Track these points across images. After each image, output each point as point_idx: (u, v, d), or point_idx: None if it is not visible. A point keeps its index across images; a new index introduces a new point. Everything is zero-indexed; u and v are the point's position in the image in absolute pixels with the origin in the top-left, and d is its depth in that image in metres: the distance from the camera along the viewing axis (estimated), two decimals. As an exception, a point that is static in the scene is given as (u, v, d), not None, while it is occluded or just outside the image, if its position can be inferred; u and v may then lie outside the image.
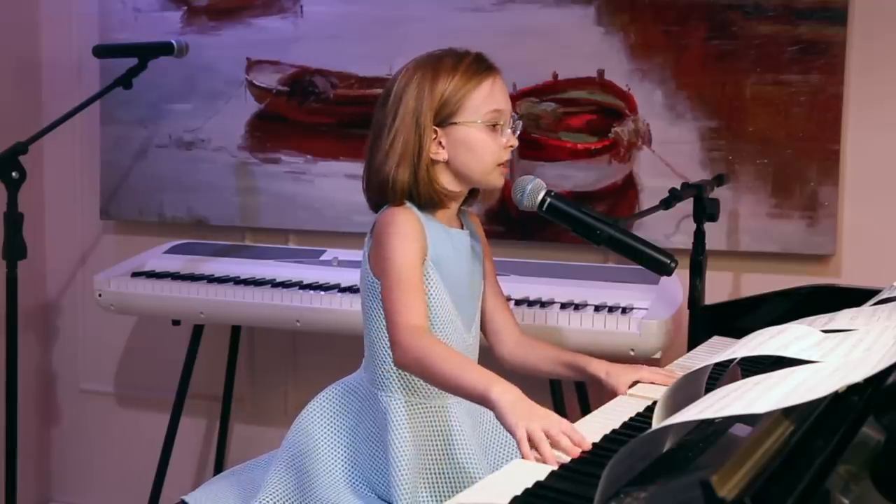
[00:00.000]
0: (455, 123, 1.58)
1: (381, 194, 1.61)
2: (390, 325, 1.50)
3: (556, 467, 1.15)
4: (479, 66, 1.60)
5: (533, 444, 1.23)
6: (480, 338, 1.75)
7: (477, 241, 1.73)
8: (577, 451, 1.20)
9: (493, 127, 1.60)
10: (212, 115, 2.93)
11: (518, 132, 1.64)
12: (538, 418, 1.25)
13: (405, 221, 1.57)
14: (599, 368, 1.64)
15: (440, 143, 1.59)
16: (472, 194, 1.70)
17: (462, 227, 1.70)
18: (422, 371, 1.45)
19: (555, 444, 1.22)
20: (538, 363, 1.73)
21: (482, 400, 1.34)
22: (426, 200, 1.60)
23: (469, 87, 1.58)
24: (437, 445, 1.60)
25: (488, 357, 1.76)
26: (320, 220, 2.82)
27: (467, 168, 1.60)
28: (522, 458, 1.21)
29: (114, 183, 3.06)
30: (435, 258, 1.59)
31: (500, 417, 1.30)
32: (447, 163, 1.60)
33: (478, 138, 1.59)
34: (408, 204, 1.60)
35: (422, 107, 1.57)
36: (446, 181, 1.61)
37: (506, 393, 1.31)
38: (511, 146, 1.62)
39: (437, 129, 1.58)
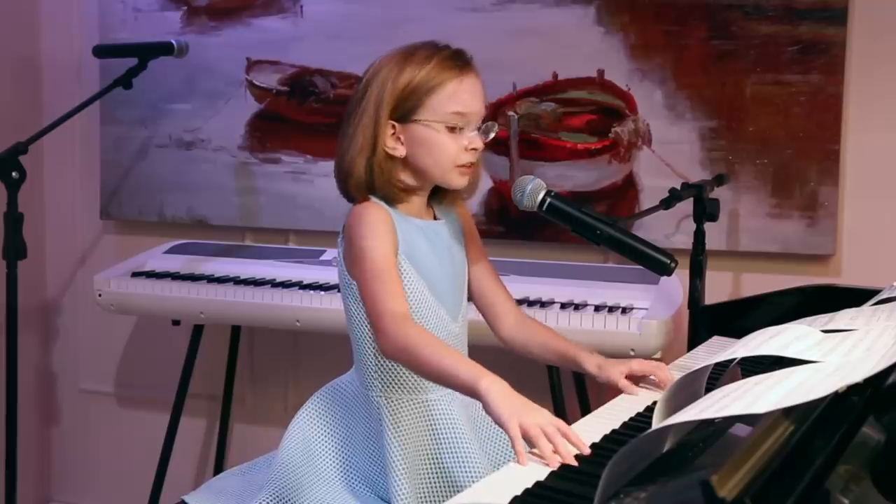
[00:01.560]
0: (415, 121, 1.52)
1: (345, 186, 1.58)
2: (373, 315, 1.46)
3: (556, 467, 1.15)
4: (450, 63, 1.53)
5: (529, 441, 1.20)
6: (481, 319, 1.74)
7: (456, 230, 1.68)
8: (571, 457, 1.17)
9: (453, 129, 1.53)
10: (212, 115, 2.93)
11: (491, 135, 1.58)
12: (532, 413, 1.22)
13: (375, 216, 1.53)
14: (592, 364, 1.61)
15: (399, 138, 1.53)
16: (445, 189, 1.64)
17: (436, 218, 1.65)
18: (407, 359, 1.41)
19: (553, 445, 1.19)
20: (535, 350, 1.70)
21: (470, 391, 1.30)
22: (382, 194, 1.56)
23: (433, 85, 1.51)
24: (431, 441, 1.59)
25: (481, 345, 1.75)
26: (320, 220, 2.81)
27: (425, 167, 1.55)
28: (516, 453, 1.18)
29: (114, 183, 3.06)
30: (407, 252, 1.56)
31: (489, 410, 1.26)
32: (405, 159, 1.55)
33: (436, 140, 1.52)
34: (373, 199, 1.56)
35: (383, 98, 1.52)
36: (404, 176, 1.57)
37: (495, 384, 1.28)
38: (474, 149, 1.55)
39: (396, 124, 1.53)
